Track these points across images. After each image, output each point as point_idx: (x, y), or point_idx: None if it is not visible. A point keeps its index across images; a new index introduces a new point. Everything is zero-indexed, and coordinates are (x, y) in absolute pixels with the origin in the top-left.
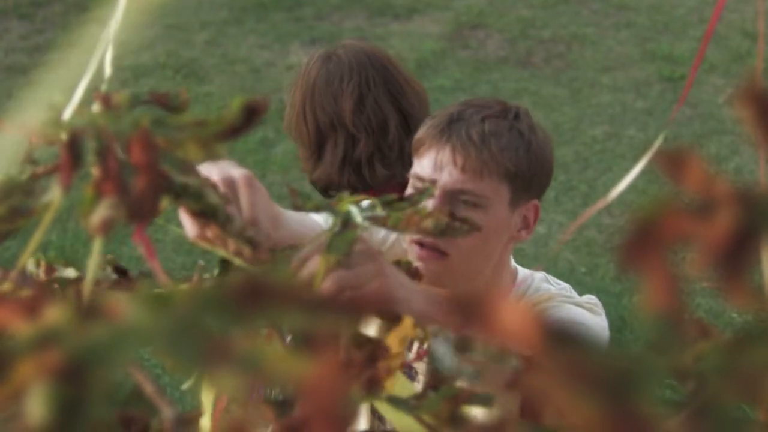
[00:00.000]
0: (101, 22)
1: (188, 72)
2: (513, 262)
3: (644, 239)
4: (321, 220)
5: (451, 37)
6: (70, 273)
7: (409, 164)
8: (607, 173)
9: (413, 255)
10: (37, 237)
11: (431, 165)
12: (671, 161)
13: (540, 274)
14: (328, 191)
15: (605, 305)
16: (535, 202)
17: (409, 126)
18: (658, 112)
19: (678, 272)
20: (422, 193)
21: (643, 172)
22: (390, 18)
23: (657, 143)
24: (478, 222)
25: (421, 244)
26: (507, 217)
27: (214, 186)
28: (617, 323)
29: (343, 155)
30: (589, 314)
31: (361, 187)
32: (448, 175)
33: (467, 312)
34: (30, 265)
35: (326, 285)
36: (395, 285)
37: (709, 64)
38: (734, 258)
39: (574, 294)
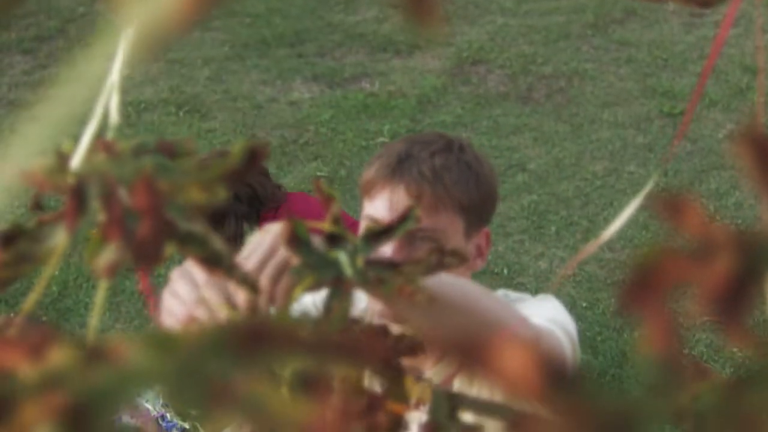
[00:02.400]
0: (105, 57)
1: (191, 108)
2: None
3: (643, 284)
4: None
5: (452, 72)
6: None
7: (255, 209)
8: (608, 209)
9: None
10: (42, 282)
11: (386, 206)
12: (668, 204)
13: (499, 292)
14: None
15: (606, 340)
16: (486, 230)
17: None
18: (659, 147)
19: (677, 315)
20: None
21: (644, 208)
22: (391, 54)
23: (654, 178)
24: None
25: None
26: (463, 247)
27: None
28: (618, 358)
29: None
30: (540, 303)
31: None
32: (422, 217)
33: (467, 353)
34: None
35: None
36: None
37: (709, 99)
38: (733, 301)
39: (529, 296)
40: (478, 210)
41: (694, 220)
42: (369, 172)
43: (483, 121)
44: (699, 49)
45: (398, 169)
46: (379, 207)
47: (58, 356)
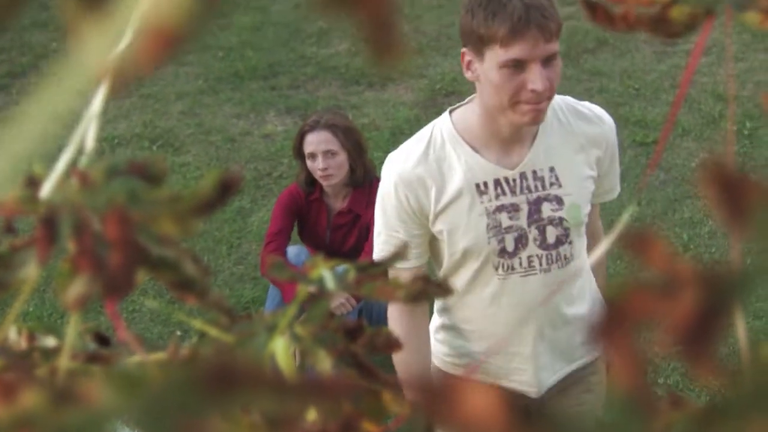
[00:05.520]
0: (78, 93)
1: (164, 142)
2: None
3: (610, 320)
4: None
5: (425, 104)
6: (50, 342)
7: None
8: None
9: (525, 110)
10: (15, 310)
11: (527, 47)
12: (635, 240)
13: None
14: None
15: None
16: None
17: None
18: (632, 176)
19: (650, 346)
20: (396, 257)
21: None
22: (364, 86)
23: (629, 211)
24: (557, 73)
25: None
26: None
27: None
28: None
29: None
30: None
31: None
32: (542, 50)
33: (429, 393)
34: (11, 334)
35: None
36: None
37: (682, 128)
38: (699, 337)
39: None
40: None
41: (660, 256)
42: (501, 28)
43: None
44: (671, 77)
45: (527, 17)
46: (519, 50)
47: (29, 397)
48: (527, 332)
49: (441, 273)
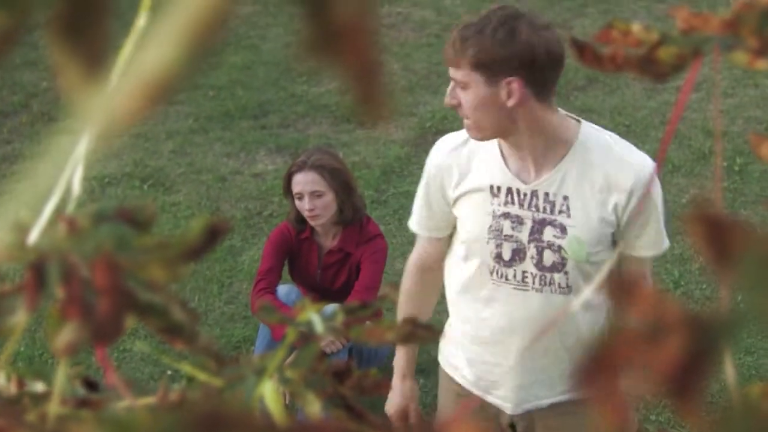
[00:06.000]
0: (69, 132)
1: (155, 181)
2: (582, 121)
3: (596, 365)
4: None
5: (416, 142)
6: (39, 387)
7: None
8: None
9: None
10: (5, 354)
11: (450, 70)
12: (620, 287)
13: (606, 134)
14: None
15: None
16: (511, 78)
17: None
18: None
19: (630, 396)
20: (383, 299)
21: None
22: (355, 125)
23: (618, 249)
24: (468, 99)
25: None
26: (487, 92)
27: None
28: None
29: None
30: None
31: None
32: (452, 71)
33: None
34: (0, 379)
35: None
36: None
37: (672, 164)
38: (684, 382)
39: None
40: (492, 66)
41: (646, 301)
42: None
43: None
44: (661, 114)
45: (452, 39)
46: (450, 71)
47: None
48: (512, 345)
49: (448, 261)
